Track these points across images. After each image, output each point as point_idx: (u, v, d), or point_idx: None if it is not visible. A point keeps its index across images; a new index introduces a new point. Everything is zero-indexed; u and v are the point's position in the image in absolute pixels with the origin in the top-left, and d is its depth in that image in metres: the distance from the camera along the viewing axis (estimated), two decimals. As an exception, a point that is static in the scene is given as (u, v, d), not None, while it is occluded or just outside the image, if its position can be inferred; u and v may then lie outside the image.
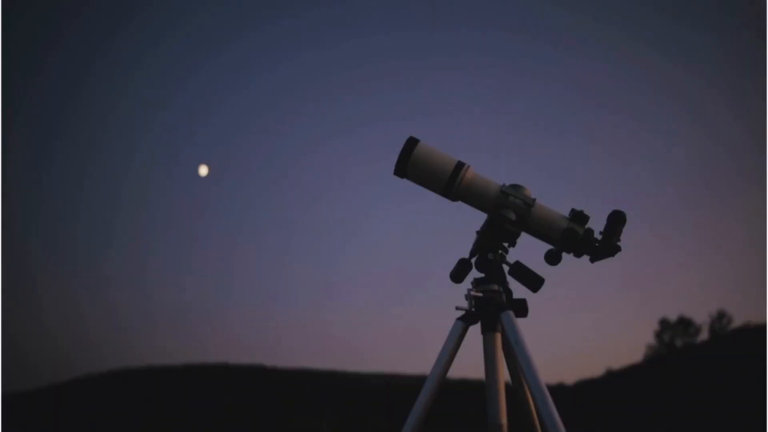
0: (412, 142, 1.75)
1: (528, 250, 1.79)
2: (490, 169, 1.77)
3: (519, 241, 1.75)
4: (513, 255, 1.74)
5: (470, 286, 1.69)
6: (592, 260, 1.80)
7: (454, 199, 1.77)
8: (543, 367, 1.51)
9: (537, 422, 1.60)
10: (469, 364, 1.79)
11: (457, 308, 1.65)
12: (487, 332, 1.62)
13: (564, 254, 1.76)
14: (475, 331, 1.65)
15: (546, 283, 1.71)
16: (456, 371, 1.67)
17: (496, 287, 1.66)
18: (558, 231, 1.72)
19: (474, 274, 1.71)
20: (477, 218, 1.78)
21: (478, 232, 1.76)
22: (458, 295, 1.67)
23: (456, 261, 1.72)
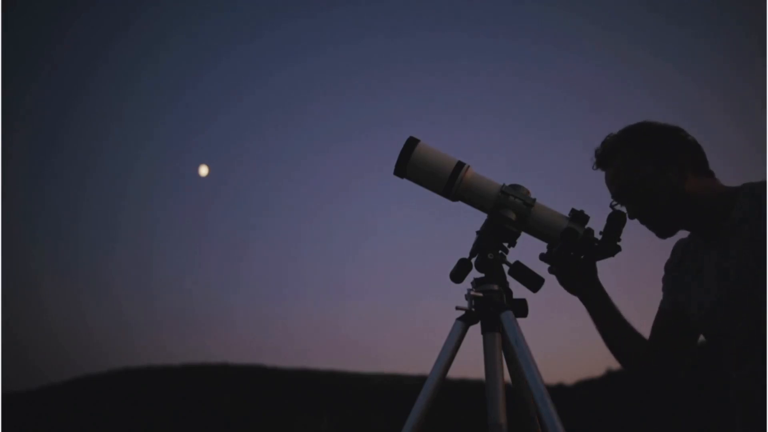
0: (411, 142, 1.75)
1: (528, 250, 1.79)
2: (490, 169, 1.77)
3: (519, 241, 1.75)
4: (513, 255, 1.74)
5: (470, 286, 1.68)
6: (592, 260, 1.80)
7: (454, 199, 1.76)
8: (543, 367, 1.51)
9: (537, 422, 1.60)
10: (469, 364, 1.79)
11: (457, 308, 1.65)
12: (487, 332, 1.62)
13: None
14: (475, 331, 1.65)
15: (546, 283, 1.71)
16: (456, 371, 1.67)
17: (496, 287, 1.66)
18: (558, 231, 1.72)
19: (474, 274, 1.70)
20: (477, 218, 1.77)
21: (478, 232, 1.75)
22: (458, 296, 1.67)
23: (456, 261, 1.72)
